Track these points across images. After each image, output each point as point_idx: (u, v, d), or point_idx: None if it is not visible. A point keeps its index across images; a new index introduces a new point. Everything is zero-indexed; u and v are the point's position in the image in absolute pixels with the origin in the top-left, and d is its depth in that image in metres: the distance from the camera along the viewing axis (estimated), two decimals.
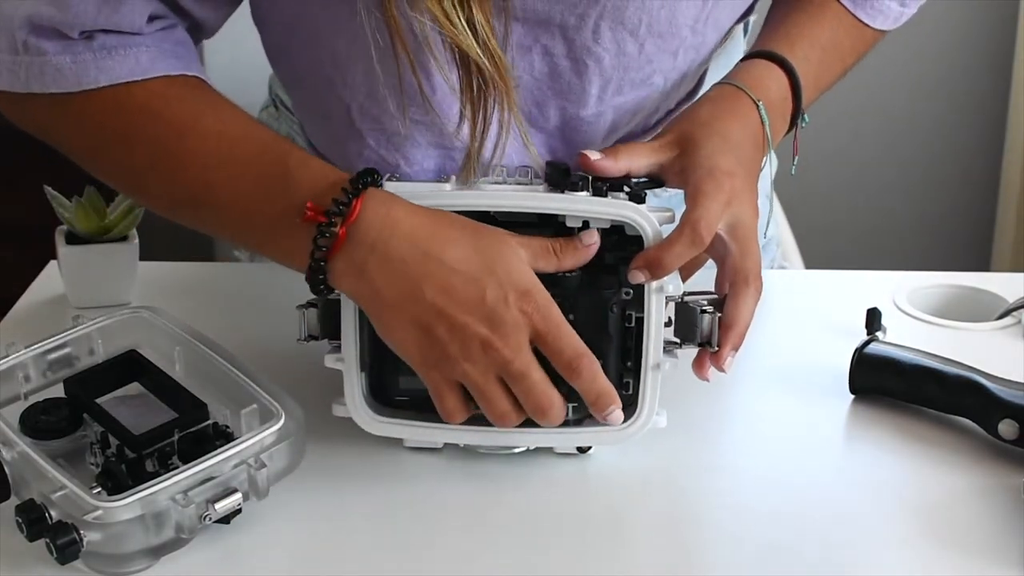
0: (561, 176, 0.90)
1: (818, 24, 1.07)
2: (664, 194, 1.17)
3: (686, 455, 0.96)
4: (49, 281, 1.18)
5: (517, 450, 0.94)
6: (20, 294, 1.17)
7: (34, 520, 0.81)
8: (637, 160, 0.95)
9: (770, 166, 1.29)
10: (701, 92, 1.12)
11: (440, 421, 0.92)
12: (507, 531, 0.88)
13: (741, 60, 1.04)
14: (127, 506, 0.80)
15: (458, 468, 0.94)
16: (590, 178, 0.90)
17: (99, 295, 1.13)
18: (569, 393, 0.91)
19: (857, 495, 0.92)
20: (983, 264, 2.63)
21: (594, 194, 0.90)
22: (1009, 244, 2.54)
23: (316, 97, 1.03)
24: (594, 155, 0.94)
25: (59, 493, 0.81)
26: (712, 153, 0.94)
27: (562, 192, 0.90)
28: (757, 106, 0.99)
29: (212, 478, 0.83)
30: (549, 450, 0.94)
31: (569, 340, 0.87)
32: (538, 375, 0.87)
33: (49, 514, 0.81)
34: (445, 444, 0.94)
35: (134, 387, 0.94)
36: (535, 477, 0.93)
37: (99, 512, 0.80)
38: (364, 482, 0.92)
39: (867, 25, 1.10)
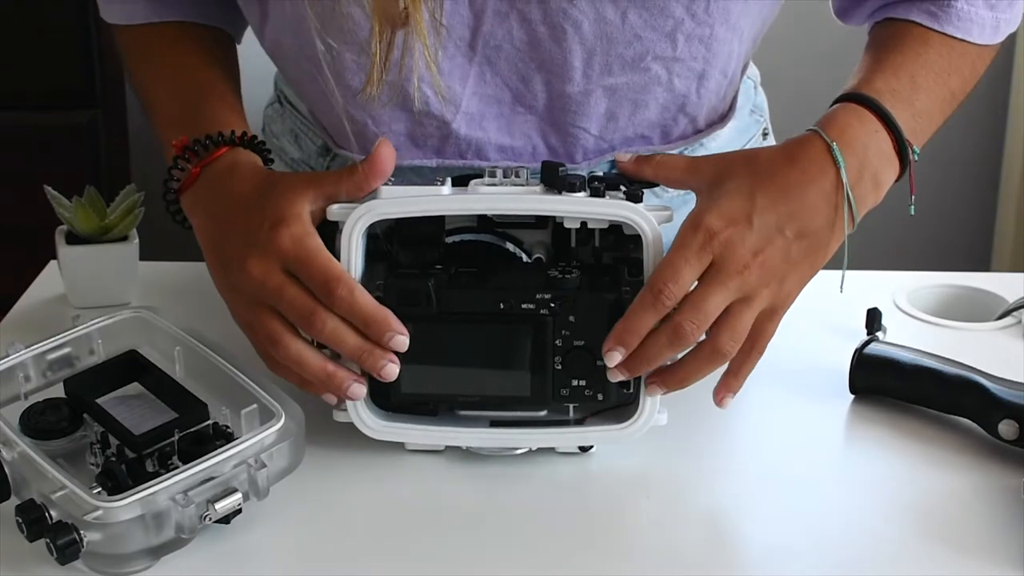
0: (556, 176, 0.90)
1: (899, 53, 1.01)
2: (665, 194, 1.17)
3: (687, 455, 0.96)
4: (49, 281, 1.18)
5: (519, 451, 0.94)
6: (20, 294, 1.17)
7: (34, 520, 0.81)
8: (666, 172, 0.94)
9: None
10: (734, 115, 1.11)
11: (442, 425, 0.92)
12: (509, 532, 0.88)
13: (832, 104, 0.98)
14: (127, 506, 0.80)
15: (459, 469, 0.94)
16: (586, 178, 0.90)
17: (99, 295, 1.13)
18: (569, 392, 0.91)
19: (857, 495, 0.92)
20: (983, 264, 2.63)
21: (591, 194, 0.90)
22: (1009, 244, 2.54)
23: (293, 56, 1.04)
24: (624, 156, 0.94)
25: (59, 493, 0.81)
26: (726, 194, 0.90)
27: (559, 193, 0.90)
28: (831, 148, 0.92)
29: (212, 478, 0.83)
30: (551, 450, 0.94)
31: (320, 264, 0.88)
32: (294, 297, 0.88)
33: (49, 514, 0.81)
34: (446, 446, 0.94)
35: (134, 387, 0.94)
36: (537, 477, 0.93)
37: (99, 512, 0.80)
38: (364, 482, 0.92)
39: (962, 40, 1.03)
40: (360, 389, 0.90)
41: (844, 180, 0.92)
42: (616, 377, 0.89)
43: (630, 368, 0.89)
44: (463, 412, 0.94)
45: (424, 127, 1.02)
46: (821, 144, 0.93)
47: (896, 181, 0.97)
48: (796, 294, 0.92)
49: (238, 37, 1.14)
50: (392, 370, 0.89)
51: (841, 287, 0.98)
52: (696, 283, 0.88)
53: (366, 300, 0.88)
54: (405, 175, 1.10)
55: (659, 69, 1.01)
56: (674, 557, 0.86)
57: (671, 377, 0.90)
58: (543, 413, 0.93)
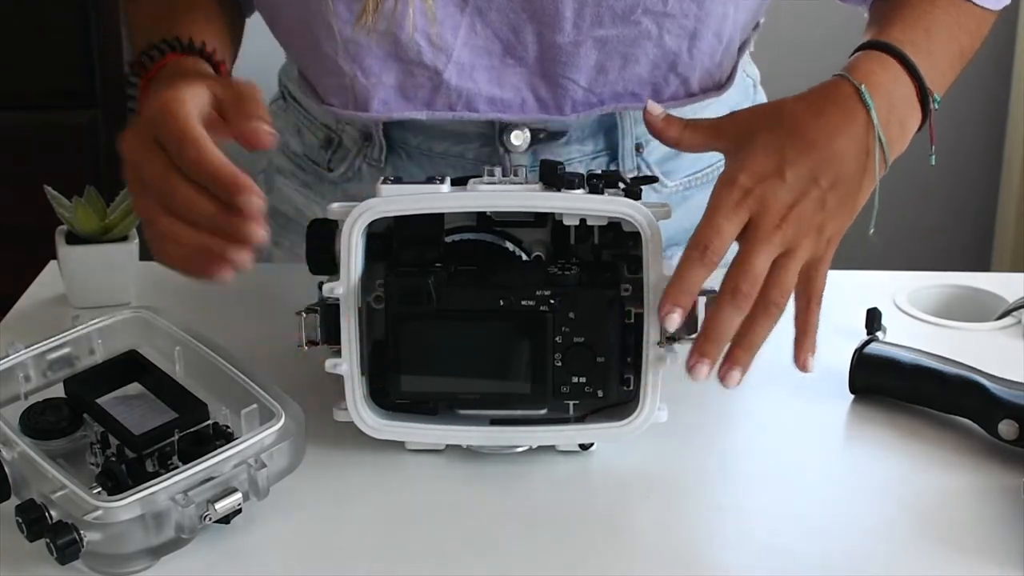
0: (555, 174, 0.90)
1: (909, 8, 1.02)
2: (664, 190, 1.18)
3: (687, 454, 0.96)
4: (49, 281, 1.18)
5: (519, 449, 0.94)
6: (20, 294, 1.17)
7: (34, 520, 0.81)
8: (692, 136, 0.94)
9: None
10: (732, 86, 1.12)
11: (442, 424, 0.92)
12: (510, 531, 0.88)
13: (852, 54, 0.98)
14: (127, 506, 0.80)
15: (460, 468, 0.94)
16: (585, 175, 0.91)
17: (99, 295, 1.13)
18: (570, 389, 0.91)
19: (857, 495, 0.92)
20: (983, 264, 2.63)
21: (590, 191, 0.90)
22: (1009, 244, 2.54)
23: (288, 9, 1.04)
24: (656, 109, 0.94)
25: (59, 493, 0.81)
26: (754, 152, 0.90)
27: (558, 190, 0.90)
28: (859, 90, 0.92)
29: (212, 478, 0.83)
30: (551, 449, 0.94)
31: (173, 124, 0.85)
32: (153, 165, 0.85)
33: (49, 514, 0.81)
34: (447, 445, 0.94)
35: (134, 387, 0.94)
36: (537, 476, 0.93)
37: (99, 512, 0.80)
38: (365, 482, 0.92)
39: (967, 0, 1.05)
40: (243, 256, 0.83)
41: (875, 121, 0.92)
42: (700, 374, 0.87)
43: (704, 352, 0.87)
44: (463, 411, 0.94)
45: (415, 78, 1.03)
46: (848, 88, 0.93)
47: (919, 131, 0.98)
48: (837, 241, 0.92)
49: (247, 8, 1.13)
50: (254, 232, 0.82)
51: (871, 226, 0.99)
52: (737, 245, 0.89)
53: (214, 158, 0.83)
54: (395, 130, 1.12)
55: (649, 23, 1.02)
56: (674, 556, 0.86)
57: (738, 350, 0.88)
58: (543, 411, 0.93)
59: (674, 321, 0.87)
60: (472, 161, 1.13)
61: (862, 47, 0.97)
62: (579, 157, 1.13)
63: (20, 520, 0.82)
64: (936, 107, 0.97)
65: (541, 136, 1.11)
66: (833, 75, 0.94)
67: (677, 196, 1.18)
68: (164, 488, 0.81)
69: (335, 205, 0.91)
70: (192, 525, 0.82)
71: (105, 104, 2.15)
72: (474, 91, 1.04)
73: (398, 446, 0.94)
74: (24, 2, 2.11)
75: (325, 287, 0.91)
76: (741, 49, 1.11)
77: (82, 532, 0.80)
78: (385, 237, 0.92)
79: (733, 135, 0.92)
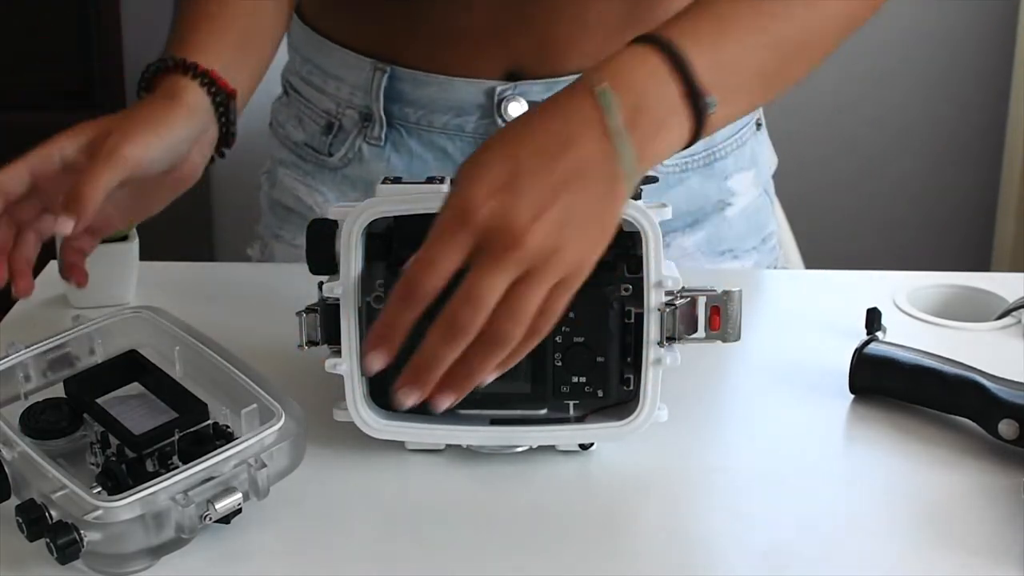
0: None
1: None
2: (661, 169, 1.18)
3: (687, 454, 0.96)
4: (49, 281, 1.17)
5: (519, 449, 0.94)
6: None
7: (34, 520, 0.81)
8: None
9: (769, 163, 1.29)
10: None
11: (442, 424, 0.92)
12: (510, 531, 0.88)
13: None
14: (127, 506, 0.80)
15: (459, 468, 0.94)
16: None
17: (99, 295, 1.13)
18: (570, 389, 0.91)
19: (857, 495, 0.92)
20: (983, 264, 2.63)
21: None
22: (1009, 244, 2.54)
23: None
24: None
25: (59, 493, 0.81)
26: (483, 163, 0.79)
27: None
28: (594, 92, 0.80)
29: (212, 478, 0.83)
30: (551, 448, 0.94)
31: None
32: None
33: (49, 514, 0.81)
34: (447, 445, 0.94)
35: (134, 387, 0.94)
36: (538, 476, 0.93)
37: (99, 512, 0.80)
38: (365, 482, 0.92)
39: None
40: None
41: (611, 126, 0.79)
42: (407, 399, 0.80)
43: (415, 380, 0.79)
44: (463, 410, 0.94)
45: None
46: (585, 89, 0.81)
47: (694, 137, 0.84)
48: (591, 259, 0.80)
49: None
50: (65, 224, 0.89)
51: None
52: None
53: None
54: (395, 105, 1.15)
55: None
56: (674, 556, 0.86)
57: (455, 380, 0.79)
58: (543, 411, 0.93)
59: (375, 364, 0.80)
60: (471, 135, 1.14)
61: (632, 40, 0.84)
62: None
63: (20, 520, 0.82)
64: (713, 111, 0.83)
65: None
66: (577, 79, 0.83)
67: (673, 178, 1.18)
68: (164, 488, 0.81)
69: (335, 205, 0.91)
70: (192, 525, 0.82)
71: (105, 104, 2.15)
72: None
73: (398, 446, 0.94)
74: (24, 2, 2.11)
75: (325, 287, 0.91)
76: None
77: (82, 532, 0.80)
78: (385, 237, 0.92)
79: (466, 161, 0.81)
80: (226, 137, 1.01)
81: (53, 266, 1.18)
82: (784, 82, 0.90)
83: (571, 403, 0.92)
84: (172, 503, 0.81)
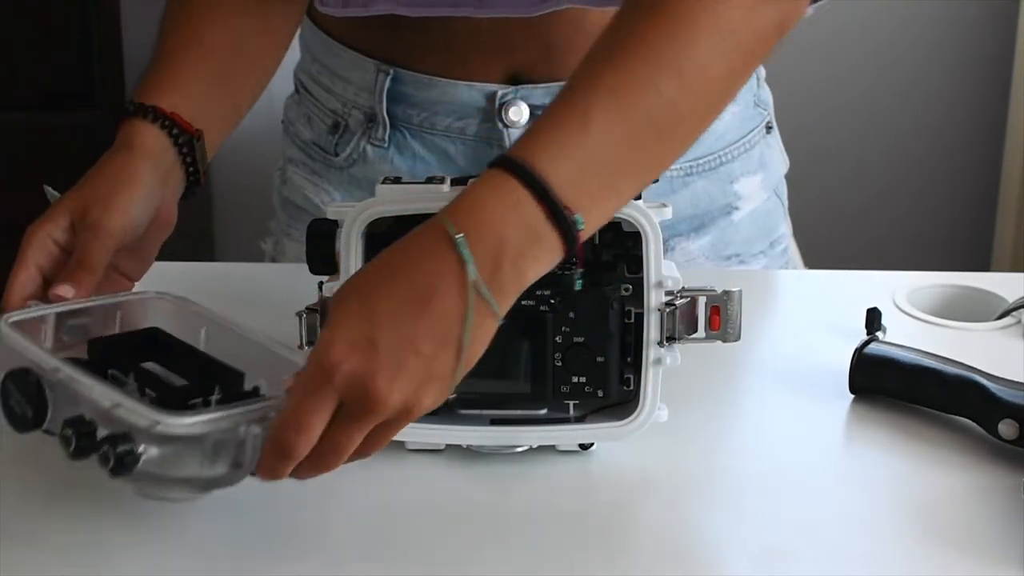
0: None
1: (574, 81, 0.83)
2: (665, 174, 1.18)
3: (687, 454, 0.96)
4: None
5: (519, 449, 0.94)
6: None
7: (86, 434, 0.78)
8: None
9: (783, 164, 1.29)
10: None
11: (442, 424, 0.92)
12: (509, 531, 0.88)
13: (481, 173, 0.82)
14: (191, 424, 0.78)
15: (459, 468, 0.94)
16: None
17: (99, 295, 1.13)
18: (570, 389, 0.91)
19: (857, 495, 0.92)
20: (983, 264, 2.63)
21: None
22: (1009, 244, 2.54)
23: None
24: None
25: (115, 408, 0.79)
26: (343, 319, 0.79)
27: None
28: (454, 242, 0.78)
29: (268, 418, 0.80)
30: (551, 449, 0.94)
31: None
32: None
33: (97, 433, 0.78)
34: (447, 445, 0.94)
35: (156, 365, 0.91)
36: (538, 476, 0.93)
37: (161, 426, 0.77)
38: (364, 482, 0.92)
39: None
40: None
41: (472, 277, 0.78)
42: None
43: (266, 469, 0.80)
44: (463, 411, 0.94)
45: None
46: (442, 238, 0.78)
47: (567, 257, 0.81)
48: (433, 403, 0.80)
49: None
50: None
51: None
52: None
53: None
54: (398, 107, 1.15)
55: None
56: (674, 556, 0.86)
57: (282, 470, 0.80)
58: (543, 411, 0.93)
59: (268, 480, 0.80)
60: (472, 137, 1.15)
61: (490, 163, 0.81)
62: None
63: (69, 433, 0.78)
64: (581, 228, 0.79)
65: (539, 112, 1.12)
66: (435, 217, 0.80)
67: (678, 181, 1.18)
68: (229, 415, 0.79)
69: (334, 205, 0.91)
70: (252, 458, 0.79)
71: (105, 104, 2.15)
72: None
73: (398, 446, 0.94)
74: (24, 2, 2.11)
75: (325, 287, 0.91)
76: None
77: (140, 445, 0.77)
78: (385, 237, 0.92)
79: (331, 306, 0.81)
80: (194, 176, 1.02)
81: None
82: (662, 163, 0.86)
83: (571, 403, 0.92)
84: (233, 431, 0.78)
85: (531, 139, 0.81)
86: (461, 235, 0.78)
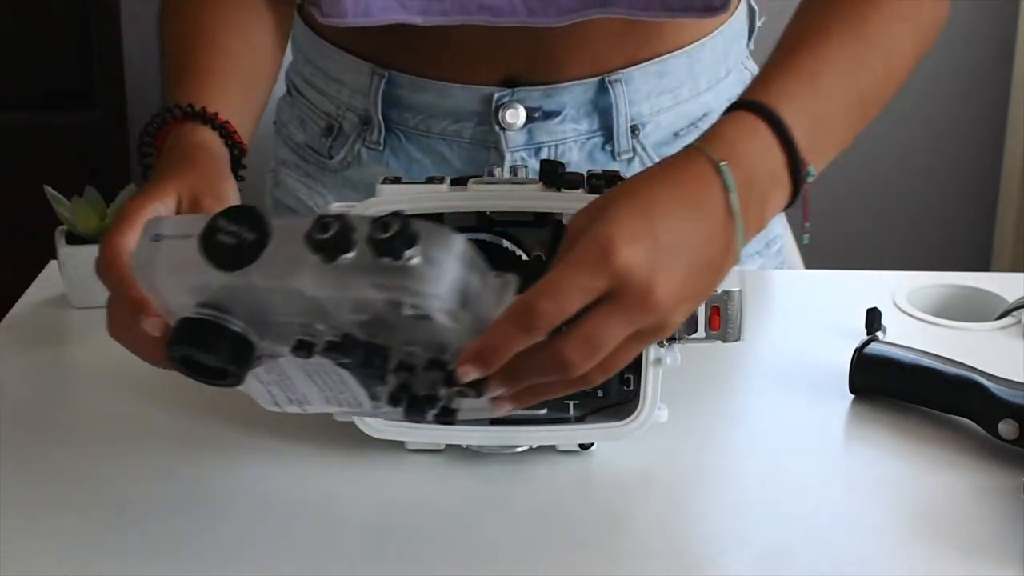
0: (556, 174, 0.90)
1: (798, 45, 0.88)
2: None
3: (687, 454, 0.96)
4: (49, 281, 1.18)
5: (519, 449, 0.94)
6: (20, 294, 1.17)
7: (347, 227, 0.72)
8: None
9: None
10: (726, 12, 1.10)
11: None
12: (509, 531, 0.88)
13: (724, 112, 0.85)
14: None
15: (459, 468, 0.94)
16: (585, 175, 0.91)
17: (99, 295, 1.12)
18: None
19: (857, 495, 0.92)
20: (983, 264, 2.63)
21: (590, 191, 0.90)
22: (1009, 244, 2.54)
23: None
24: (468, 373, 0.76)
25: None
26: (620, 213, 0.77)
27: (558, 190, 0.90)
28: (718, 168, 0.80)
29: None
30: (551, 449, 0.94)
31: (107, 256, 0.84)
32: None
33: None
34: (447, 445, 0.94)
35: None
36: (537, 476, 0.93)
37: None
38: (364, 482, 0.92)
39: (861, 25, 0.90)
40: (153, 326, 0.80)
41: (735, 207, 0.79)
42: (501, 409, 0.79)
43: (504, 382, 0.77)
44: None
45: None
46: (707, 165, 0.80)
47: (788, 207, 0.85)
48: (680, 321, 0.79)
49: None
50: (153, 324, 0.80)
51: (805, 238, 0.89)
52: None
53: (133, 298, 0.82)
54: (393, 111, 1.15)
55: None
56: (674, 556, 0.86)
57: (528, 396, 0.79)
58: (543, 411, 0.93)
59: (466, 374, 0.75)
60: (468, 140, 1.14)
61: (735, 105, 0.84)
62: (574, 136, 1.14)
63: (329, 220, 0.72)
64: (810, 181, 0.84)
65: (536, 115, 1.12)
66: (693, 145, 0.82)
67: None
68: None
69: (336, 205, 0.91)
70: (491, 309, 0.74)
71: (105, 104, 2.15)
72: None
73: (398, 446, 0.94)
74: (24, 2, 2.11)
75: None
76: None
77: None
78: None
79: (586, 215, 0.79)
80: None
81: (53, 266, 1.19)
82: (861, 129, 0.90)
83: (571, 403, 0.92)
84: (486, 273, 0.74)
85: (769, 89, 0.84)
86: (725, 163, 0.79)
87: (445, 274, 0.72)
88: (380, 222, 0.72)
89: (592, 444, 0.95)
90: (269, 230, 0.75)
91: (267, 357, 0.78)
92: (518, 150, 1.13)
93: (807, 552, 0.86)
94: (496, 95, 1.12)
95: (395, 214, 0.72)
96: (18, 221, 1.83)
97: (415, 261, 0.72)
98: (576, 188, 0.89)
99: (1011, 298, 1.15)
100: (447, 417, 0.79)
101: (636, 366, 0.91)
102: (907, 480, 0.93)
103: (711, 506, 0.92)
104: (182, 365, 0.79)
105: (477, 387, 0.77)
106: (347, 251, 0.73)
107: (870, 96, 0.90)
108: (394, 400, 0.78)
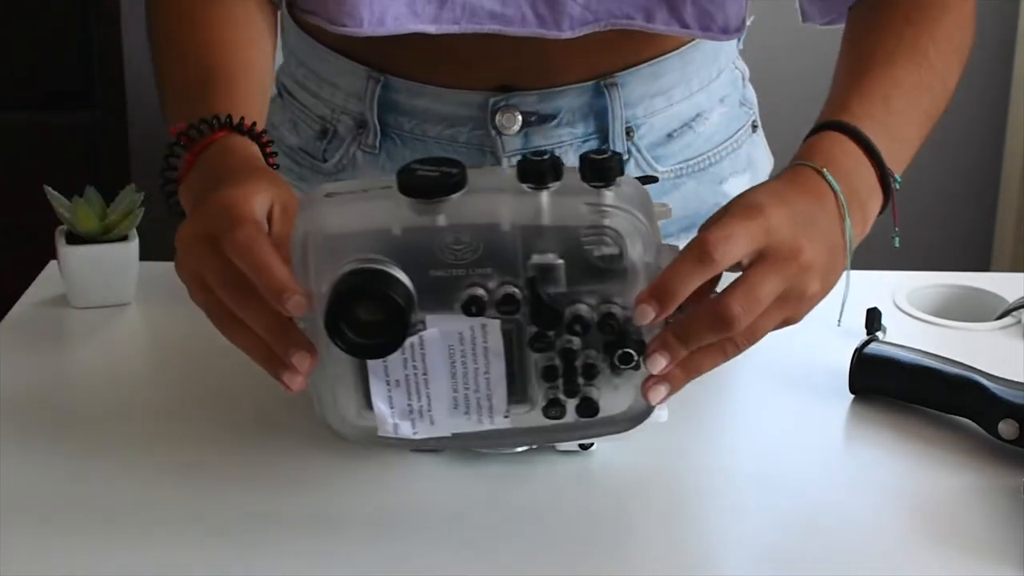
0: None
1: (868, 70, 1.00)
2: (669, 194, 1.18)
3: (687, 454, 0.96)
4: (49, 281, 1.18)
5: (519, 449, 0.94)
6: (20, 294, 1.17)
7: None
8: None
9: (769, 167, 1.29)
10: (717, 82, 1.14)
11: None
12: (509, 531, 0.88)
13: (809, 134, 0.96)
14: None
15: (459, 468, 0.94)
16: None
17: (99, 295, 1.13)
18: (570, 390, 0.91)
19: (857, 495, 0.92)
20: (983, 264, 2.63)
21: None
22: (1009, 244, 2.54)
23: None
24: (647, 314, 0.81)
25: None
26: (772, 203, 0.85)
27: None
28: (822, 174, 0.90)
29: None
30: (551, 449, 0.94)
31: (241, 235, 0.83)
32: (239, 300, 0.83)
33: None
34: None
35: None
36: (537, 476, 0.93)
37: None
38: (364, 482, 0.92)
39: (924, 55, 1.03)
40: (296, 380, 0.82)
41: (844, 202, 0.90)
42: (654, 393, 0.84)
43: (666, 348, 0.82)
44: None
45: None
46: (812, 173, 0.90)
47: (880, 213, 0.95)
48: (812, 307, 0.88)
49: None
50: (301, 363, 0.81)
51: (839, 320, 1.00)
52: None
53: (271, 259, 0.82)
54: (389, 114, 1.15)
55: None
56: (674, 556, 0.86)
57: (680, 372, 0.84)
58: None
59: (645, 314, 0.80)
60: (464, 144, 1.14)
61: (820, 127, 0.95)
62: (570, 140, 1.14)
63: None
64: (897, 187, 0.95)
65: (532, 119, 1.12)
66: (792, 163, 0.92)
67: (668, 183, 1.18)
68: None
69: (326, 185, 0.91)
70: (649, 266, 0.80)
71: (105, 104, 2.15)
72: (477, 5, 1.06)
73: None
74: (24, 2, 2.11)
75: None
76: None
77: None
78: None
79: (742, 207, 0.86)
80: None
81: (53, 266, 1.19)
82: (923, 142, 1.02)
83: (571, 403, 0.92)
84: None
85: (850, 110, 0.96)
86: (827, 170, 0.90)
87: (649, 208, 0.79)
88: (592, 151, 0.78)
89: (592, 444, 0.95)
90: (466, 170, 0.78)
91: (421, 327, 0.79)
92: (514, 154, 1.13)
93: (807, 552, 0.86)
94: (492, 100, 1.12)
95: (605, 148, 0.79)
96: (18, 221, 1.83)
97: (626, 188, 0.78)
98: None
99: (1011, 298, 1.15)
100: (588, 409, 0.83)
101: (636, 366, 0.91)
102: (907, 480, 0.93)
103: (711, 506, 0.92)
104: (336, 334, 0.78)
105: (640, 353, 0.81)
106: (557, 179, 0.78)
107: (931, 114, 1.02)
108: (548, 375, 0.81)
